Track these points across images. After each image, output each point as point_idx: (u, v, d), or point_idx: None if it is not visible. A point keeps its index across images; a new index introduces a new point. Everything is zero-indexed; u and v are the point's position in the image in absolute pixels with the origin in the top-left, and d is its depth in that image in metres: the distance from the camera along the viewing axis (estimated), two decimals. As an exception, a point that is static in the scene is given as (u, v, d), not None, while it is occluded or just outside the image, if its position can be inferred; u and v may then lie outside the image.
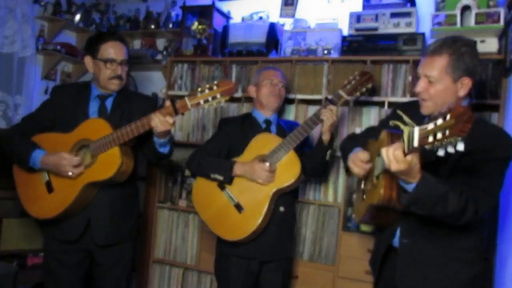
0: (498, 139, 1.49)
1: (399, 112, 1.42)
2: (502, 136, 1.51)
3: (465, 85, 1.52)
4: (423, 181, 1.35)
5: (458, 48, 1.51)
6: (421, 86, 1.56)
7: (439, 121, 1.15)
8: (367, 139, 1.75)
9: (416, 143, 1.21)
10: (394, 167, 1.30)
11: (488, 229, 2.14)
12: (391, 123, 1.41)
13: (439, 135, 1.14)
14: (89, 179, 1.93)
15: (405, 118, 1.30)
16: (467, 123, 1.09)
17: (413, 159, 1.29)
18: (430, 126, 1.17)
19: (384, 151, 1.32)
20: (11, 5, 3.06)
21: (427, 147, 1.19)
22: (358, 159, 1.63)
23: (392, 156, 1.29)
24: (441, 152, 1.17)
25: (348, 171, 1.84)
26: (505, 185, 1.99)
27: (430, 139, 1.16)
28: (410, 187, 1.38)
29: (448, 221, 1.45)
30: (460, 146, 1.13)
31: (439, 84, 1.52)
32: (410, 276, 1.58)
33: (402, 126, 1.29)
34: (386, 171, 1.44)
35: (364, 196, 1.73)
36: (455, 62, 1.50)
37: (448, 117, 1.12)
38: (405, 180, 1.37)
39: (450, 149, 1.14)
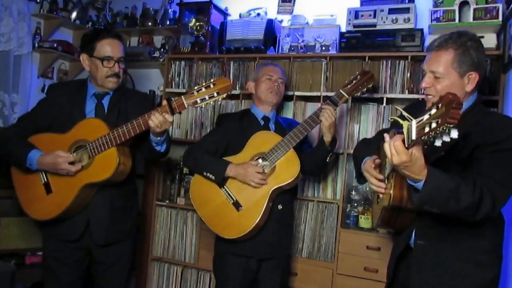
0: (511, 129, 1.43)
1: (398, 108, 1.40)
2: None
3: (472, 80, 1.49)
4: (431, 177, 1.31)
5: (464, 42, 1.49)
6: (426, 82, 1.53)
7: (433, 111, 1.15)
8: (380, 143, 1.71)
9: (414, 136, 1.20)
10: (396, 160, 1.27)
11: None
12: (390, 118, 1.39)
13: (433, 125, 1.14)
14: (87, 180, 1.92)
15: (404, 113, 1.28)
16: (456, 110, 1.09)
17: (415, 152, 1.27)
18: (426, 117, 1.17)
19: (386, 145, 1.30)
20: (7, 2, 3.04)
21: (424, 138, 1.18)
22: (369, 166, 1.60)
23: (393, 148, 1.27)
24: (438, 143, 1.16)
25: (360, 179, 1.82)
26: None
27: (427, 129, 1.15)
28: (419, 186, 1.33)
29: (465, 217, 1.38)
30: (454, 133, 1.12)
31: (445, 80, 1.50)
32: (425, 279, 1.53)
33: (400, 121, 1.28)
34: (396, 171, 1.42)
35: (378, 200, 1.71)
36: (461, 57, 1.48)
37: (440, 105, 1.13)
38: (412, 178, 1.34)
39: (446, 138, 1.14)
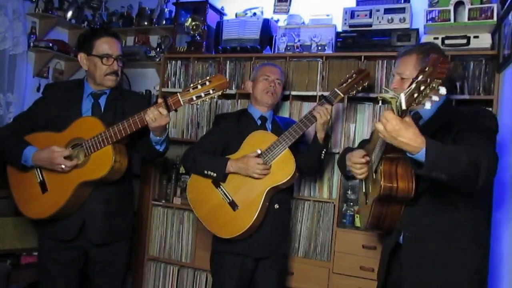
0: (478, 112, 1.60)
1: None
2: (482, 110, 1.66)
3: None
4: (430, 142, 1.33)
5: (426, 49, 1.67)
6: (395, 83, 1.71)
7: (420, 77, 1.24)
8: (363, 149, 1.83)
9: (404, 105, 1.27)
10: (389, 127, 1.30)
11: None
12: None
13: (422, 87, 1.22)
14: (83, 178, 1.92)
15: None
16: (443, 64, 1.19)
17: (407, 119, 1.31)
18: (413, 85, 1.25)
19: (377, 123, 1.34)
20: (1, 1, 3.02)
21: (414, 104, 1.26)
22: (355, 156, 1.73)
23: (384, 118, 1.31)
24: (428, 105, 1.24)
25: (347, 177, 1.89)
26: (497, 185, 2.04)
27: (415, 94, 1.24)
28: (420, 155, 1.34)
29: (469, 183, 1.39)
30: (443, 90, 1.22)
31: (411, 80, 1.59)
32: (414, 271, 1.59)
33: (388, 98, 1.35)
34: (385, 160, 1.51)
35: (367, 201, 1.75)
36: (423, 60, 1.62)
37: (426, 68, 1.22)
38: (410, 148, 1.34)
39: (435, 98, 1.23)
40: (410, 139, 1.31)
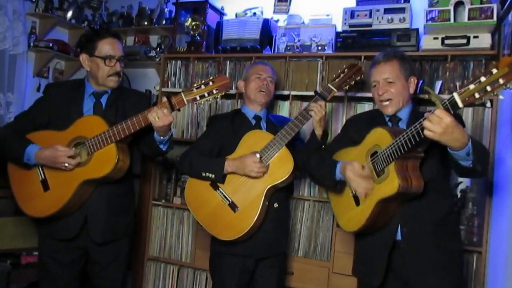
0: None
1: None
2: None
3: (412, 83, 1.85)
4: (472, 138, 1.47)
5: (401, 55, 1.87)
6: (382, 88, 1.82)
7: (483, 78, 1.31)
8: (335, 153, 1.96)
9: (460, 104, 1.37)
10: (444, 123, 1.37)
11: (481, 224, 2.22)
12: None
13: (488, 88, 1.30)
14: (86, 176, 1.92)
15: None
16: None
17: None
18: (471, 86, 1.33)
19: (425, 121, 1.42)
20: (1, 1, 3.03)
21: (477, 102, 1.36)
22: (356, 169, 1.74)
23: (435, 117, 1.39)
24: (488, 104, 1.37)
25: (335, 184, 1.89)
26: (497, 184, 2.05)
27: (477, 95, 1.32)
28: (464, 151, 1.46)
29: (486, 171, 1.61)
30: None
31: (397, 83, 1.81)
32: (419, 260, 1.70)
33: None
34: (397, 160, 1.60)
35: (360, 203, 1.77)
36: (403, 65, 1.84)
37: (494, 71, 1.29)
38: (457, 145, 1.44)
39: (501, 96, 1.33)
40: (461, 135, 1.43)
